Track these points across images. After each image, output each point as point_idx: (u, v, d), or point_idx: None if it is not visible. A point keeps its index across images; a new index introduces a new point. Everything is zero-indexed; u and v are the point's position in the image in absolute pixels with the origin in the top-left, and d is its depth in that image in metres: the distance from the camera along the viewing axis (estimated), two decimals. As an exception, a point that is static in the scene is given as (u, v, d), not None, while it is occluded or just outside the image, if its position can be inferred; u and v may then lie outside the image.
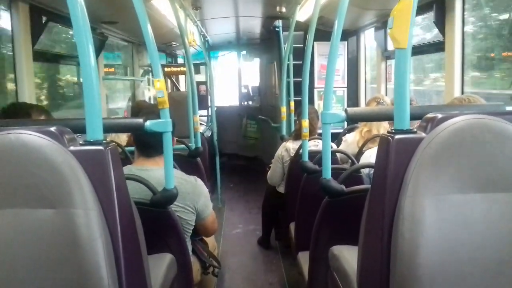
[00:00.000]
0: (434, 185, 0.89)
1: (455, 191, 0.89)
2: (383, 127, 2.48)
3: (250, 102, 7.39)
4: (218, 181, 4.74)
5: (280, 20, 4.23)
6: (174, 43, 5.25)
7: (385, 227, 0.97)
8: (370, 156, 2.17)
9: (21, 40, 2.21)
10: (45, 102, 3.05)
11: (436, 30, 2.60)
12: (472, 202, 0.89)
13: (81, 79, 1.86)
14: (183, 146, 2.88)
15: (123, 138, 2.88)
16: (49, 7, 2.43)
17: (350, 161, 2.24)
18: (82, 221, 0.86)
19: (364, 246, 1.13)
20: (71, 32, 3.10)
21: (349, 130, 3.12)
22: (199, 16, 4.02)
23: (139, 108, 2.76)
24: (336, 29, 1.56)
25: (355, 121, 3.01)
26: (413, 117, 1.08)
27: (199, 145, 2.98)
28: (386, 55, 3.64)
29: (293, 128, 3.44)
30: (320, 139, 2.23)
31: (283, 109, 3.74)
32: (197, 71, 5.78)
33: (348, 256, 1.44)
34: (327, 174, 1.65)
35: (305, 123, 2.30)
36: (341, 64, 4.36)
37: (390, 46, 3.51)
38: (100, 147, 0.97)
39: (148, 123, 1.36)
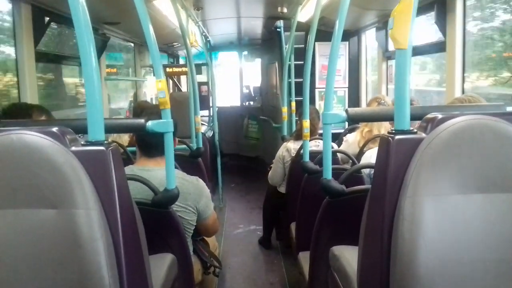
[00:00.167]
0: (434, 185, 0.89)
1: (455, 191, 0.89)
2: (384, 127, 2.47)
3: (252, 103, 7.39)
4: (220, 181, 4.74)
5: (282, 21, 4.23)
6: (175, 43, 5.25)
7: (385, 227, 0.97)
8: (370, 156, 2.16)
9: (23, 41, 2.21)
10: (46, 103, 3.06)
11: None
12: (472, 202, 0.89)
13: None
14: (184, 146, 2.89)
15: (125, 138, 2.89)
16: (51, 7, 2.44)
17: (350, 161, 2.24)
18: (83, 221, 0.86)
19: (364, 246, 1.14)
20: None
21: (350, 131, 3.12)
22: (200, 16, 4.02)
23: (141, 109, 2.76)
24: (337, 29, 1.55)
25: (356, 121, 2.99)
26: (413, 118, 1.08)
27: (201, 145, 2.98)
28: (387, 55, 3.64)
29: (294, 129, 3.44)
30: (321, 139, 2.23)
31: (284, 109, 3.75)
32: (199, 72, 5.77)
33: (348, 256, 1.44)
34: (328, 174, 1.65)
35: (306, 123, 2.30)
36: (342, 65, 4.36)
37: (391, 47, 3.50)
38: (102, 148, 0.97)
39: (149, 124, 1.36)
